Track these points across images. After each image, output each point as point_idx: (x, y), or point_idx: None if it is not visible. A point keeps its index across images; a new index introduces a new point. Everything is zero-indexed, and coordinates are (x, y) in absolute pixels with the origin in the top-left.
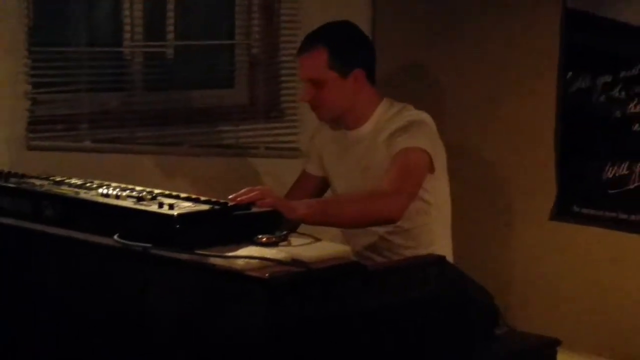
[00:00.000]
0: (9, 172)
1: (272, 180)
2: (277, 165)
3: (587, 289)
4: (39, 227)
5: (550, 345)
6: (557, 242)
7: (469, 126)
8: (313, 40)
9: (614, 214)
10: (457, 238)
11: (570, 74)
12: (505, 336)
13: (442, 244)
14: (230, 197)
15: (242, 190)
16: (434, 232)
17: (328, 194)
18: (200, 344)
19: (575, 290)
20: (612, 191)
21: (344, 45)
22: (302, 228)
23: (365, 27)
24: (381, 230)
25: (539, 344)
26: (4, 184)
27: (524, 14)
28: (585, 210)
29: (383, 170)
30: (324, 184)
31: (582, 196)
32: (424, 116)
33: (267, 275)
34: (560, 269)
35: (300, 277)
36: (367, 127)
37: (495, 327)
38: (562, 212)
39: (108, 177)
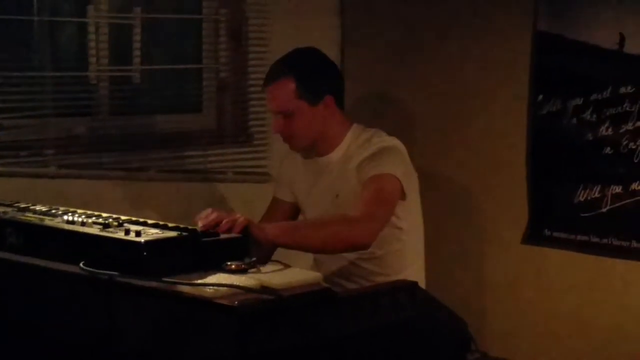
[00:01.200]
0: None
1: (240, 205)
2: (245, 190)
3: (560, 313)
4: (3, 254)
5: None
6: (529, 266)
7: (438, 150)
8: (279, 70)
9: (586, 238)
10: (429, 262)
11: (540, 96)
12: None
13: (414, 270)
14: (197, 219)
15: (205, 211)
16: (405, 258)
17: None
18: None
19: (548, 315)
20: (584, 214)
21: (310, 73)
22: (275, 254)
23: (333, 51)
24: (352, 256)
25: None
26: None
27: (494, 36)
28: (557, 234)
29: (354, 197)
30: (296, 210)
31: (554, 220)
32: (396, 142)
33: (236, 303)
34: (532, 293)
35: (271, 304)
36: (337, 153)
37: (467, 353)
38: (534, 235)
39: (73, 203)
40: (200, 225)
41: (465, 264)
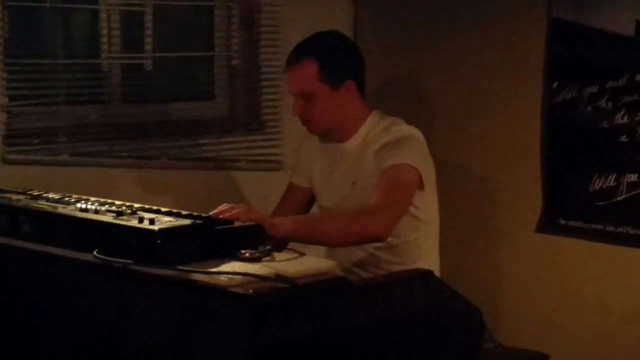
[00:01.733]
0: None
1: (253, 193)
2: (258, 178)
3: (574, 302)
4: (16, 242)
5: None
6: (543, 255)
7: (453, 138)
8: (301, 52)
9: (601, 227)
10: (443, 252)
11: (555, 84)
12: (492, 351)
13: (429, 260)
14: (210, 213)
15: (221, 207)
16: (421, 248)
17: (315, 208)
18: None
19: (563, 304)
20: (600, 203)
21: (334, 57)
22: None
23: None
24: (368, 245)
25: (526, 359)
26: None
27: (509, 23)
28: (571, 223)
29: (371, 185)
30: (312, 195)
31: (569, 209)
32: (414, 131)
33: (250, 291)
34: (547, 283)
35: (285, 293)
36: (355, 140)
37: (482, 342)
38: (548, 225)
39: (85, 191)
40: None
41: (479, 253)
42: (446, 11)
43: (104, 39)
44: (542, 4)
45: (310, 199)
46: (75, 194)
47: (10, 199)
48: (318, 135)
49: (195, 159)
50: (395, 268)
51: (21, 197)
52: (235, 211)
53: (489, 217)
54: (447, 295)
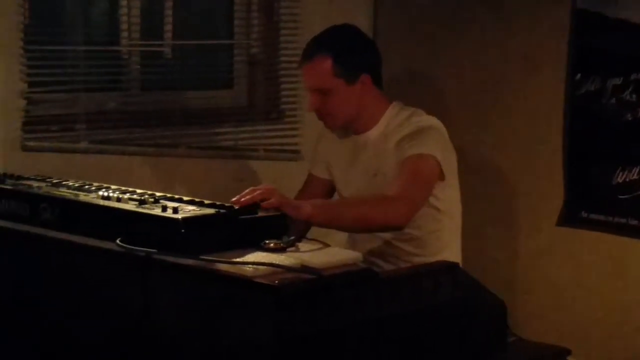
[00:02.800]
0: (5, 174)
1: (271, 182)
2: (276, 167)
3: (597, 296)
4: (36, 230)
5: (560, 355)
6: (565, 248)
7: (474, 131)
8: (315, 47)
9: (623, 220)
10: (464, 244)
11: (579, 75)
12: (513, 345)
13: (451, 251)
14: (233, 199)
15: (246, 191)
16: (443, 240)
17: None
18: (206, 354)
19: (584, 298)
20: (622, 196)
21: (348, 51)
22: (311, 233)
23: (366, 28)
24: (389, 236)
25: (549, 354)
26: (1, 186)
27: (532, 14)
28: (593, 216)
29: (392, 176)
30: (331, 187)
31: (591, 201)
32: (435, 122)
33: (276, 282)
34: (568, 276)
35: (311, 284)
36: (375, 131)
37: (507, 335)
38: (570, 217)
39: (103, 178)
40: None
41: (500, 246)
42: (467, 3)
43: (124, 26)
44: None
45: (330, 190)
46: (94, 181)
47: (30, 186)
48: (335, 130)
49: (214, 148)
50: (417, 260)
51: (42, 184)
52: (256, 193)
53: (510, 210)
54: (473, 287)
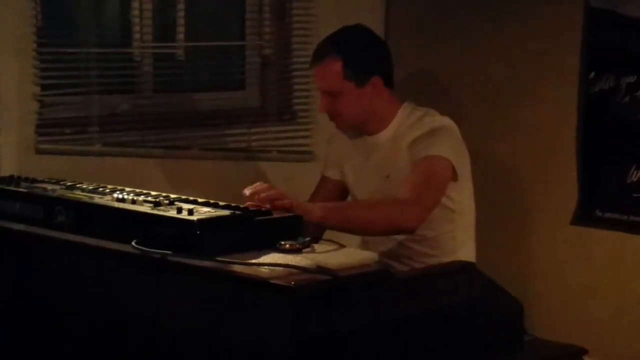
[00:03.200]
0: (19, 177)
1: (284, 184)
2: (289, 169)
3: (611, 295)
4: (51, 232)
5: (577, 354)
6: (579, 247)
7: (487, 129)
8: (325, 49)
9: (638, 218)
10: (478, 243)
11: (592, 74)
12: (529, 344)
13: (465, 252)
14: (245, 190)
15: (256, 184)
16: (456, 240)
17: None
18: (221, 355)
19: (599, 297)
20: (637, 195)
21: (358, 54)
22: (325, 234)
23: (378, 29)
24: (402, 237)
25: (565, 353)
26: (15, 189)
27: (544, 12)
28: (608, 215)
29: (404, 177)
30: (344, 188)
31: (605, 200)
32: (448, 122)
33: (292, 283)
34: (583, 275)
35: (327, 285)
36: (387, 133)
37: (524, 335)
38: (584, 216)
39: (116, 180)
40: (246, 192)
41: (513, 245)
42: (479, 2)
43: (136, 29)
44: None
45: (343, 192)
46: (107, 183)
47: (44, 188)
48: (347, 131)
49: (226, 149)
50: (431, 260)
51: (56, 187)
52: (271, 192)
53: (524, 209)
54: (489, 287)
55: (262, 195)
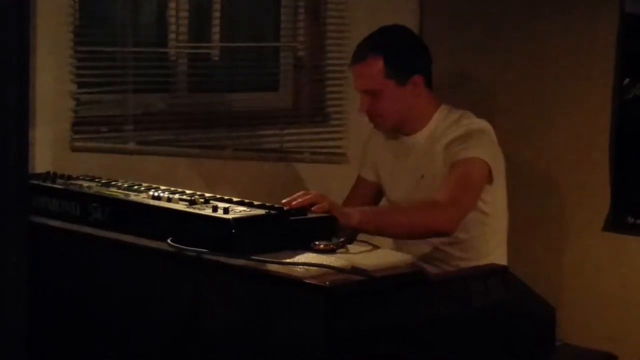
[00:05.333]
0: (55, 174)
1: (316, 186)
2: (321, 170)
3: None
4: (87, 229)
5: None
6: (610, 254)
7: (520, 135)
8: (367, 48)
9: None
10: (509, 248)
11: (627, 80)
12: (559, 350)
13: (497, 256)
14: (283, 201)
15: (297, 194)
16: (489, 243)
17: (384, 201)
18: (255, 354)
19: (630, 304)
20: None
21: (399, 52)
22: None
23: (412, 29)
24: (435, 240)
25: (594, 359)
26: (52, 185)
27: (579, 17)
28: None
29: (440, 179)
30: (380, 189)
31: (638, 207)
32: (484, 125)
33: (327, 283)
34: (614, 283)
35: (362, 285)
36: (424, 134)
37: (555, 340)
38: (616, 223)
39: (150, 179)
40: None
41: (544, 251)
42: (514, 5)
43: (172, 29)
44: None
45: (379, 193)
46: (141, 181)
47: (80, 185)
48: (386, 131)
49: (259, 150)
50: (463, 264)
51: (91, 184)
52: (307, 197)
53: (555, 215)
54: (522, 291)
55: (300, 200)
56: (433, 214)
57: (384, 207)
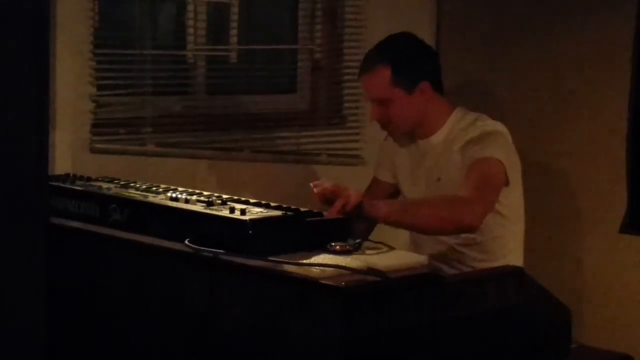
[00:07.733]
0: (75, 175)
1: None
2: (338, 172)
3: None
4: (106, 230)
5: None
6: (627, 256)
7: (537, 137)
8: (374, 58)
9: None
10: (526, 249)
11: None
12: (575, 352)
13: (514, 257)
14: (312, 184)
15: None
16: (506, 245)
17: None
18: (271, 354)
19: None
20: None
21: (406, 60)
22: (373, 237)
23: (429, 36)
24: (452, 241)
25: None
26: (71, 187)
27: (595, 22)
28: None
29: (457, 180)
30: (396, 191)
31: None
32: (500, 127)
33: (343, 283)
34: (631, 284)
35: (377, 286)
36: (439, 136)
37: (571, 342)
38: (633, 224)
39: (168, 180)
40: (314, 190)
41: (561, 253)
42: (532, 7)
43: (190, 31)
44: (630, 1)
45: (393, 194)
46: (159, 183)
47: (100, 187)
48: (398, 139)
49: (276, 152)
50: (480, 265)
51: (111, 185)
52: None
53: (571, 217)
54: (538, 293)
55: (326, 185)
56: (459, 209)
57: (410, 200)
